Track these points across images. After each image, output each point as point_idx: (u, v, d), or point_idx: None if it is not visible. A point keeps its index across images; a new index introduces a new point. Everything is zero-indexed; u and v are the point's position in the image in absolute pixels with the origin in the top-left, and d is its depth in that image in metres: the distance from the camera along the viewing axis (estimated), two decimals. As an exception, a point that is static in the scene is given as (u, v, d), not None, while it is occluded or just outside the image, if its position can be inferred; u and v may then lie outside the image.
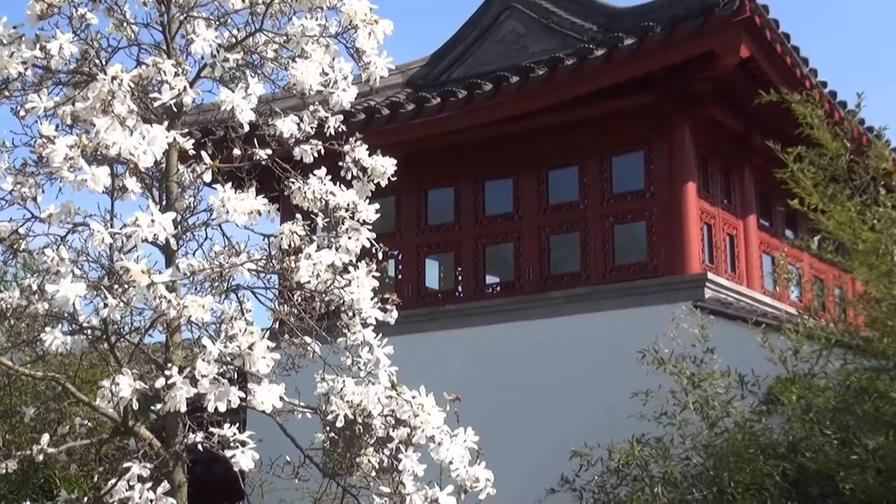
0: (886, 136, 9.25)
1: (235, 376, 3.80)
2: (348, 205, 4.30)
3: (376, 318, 4.19)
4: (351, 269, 4.15)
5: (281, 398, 3.81)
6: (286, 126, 4.42)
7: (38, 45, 4.00)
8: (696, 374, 9.41)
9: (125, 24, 4.40)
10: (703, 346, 9.57)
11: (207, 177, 4.17)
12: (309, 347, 4.22)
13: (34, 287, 4.04)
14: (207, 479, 6.89)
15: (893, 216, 8.44)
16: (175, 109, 4.05)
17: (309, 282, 4.00)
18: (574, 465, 9.60)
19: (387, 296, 4.25)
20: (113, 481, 3.85)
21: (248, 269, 3.98)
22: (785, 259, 11.50)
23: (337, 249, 4.17)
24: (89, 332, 4.04)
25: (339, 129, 4.56)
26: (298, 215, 4.25)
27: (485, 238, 13.18)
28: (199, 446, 3.91)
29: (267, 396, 3.74)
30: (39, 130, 3.77)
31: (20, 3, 4.12)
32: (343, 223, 4.27)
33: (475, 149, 13.05)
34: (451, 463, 3.97)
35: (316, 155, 4.51)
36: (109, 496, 3.81)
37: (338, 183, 4.42)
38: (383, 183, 4.53)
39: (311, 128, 4.55)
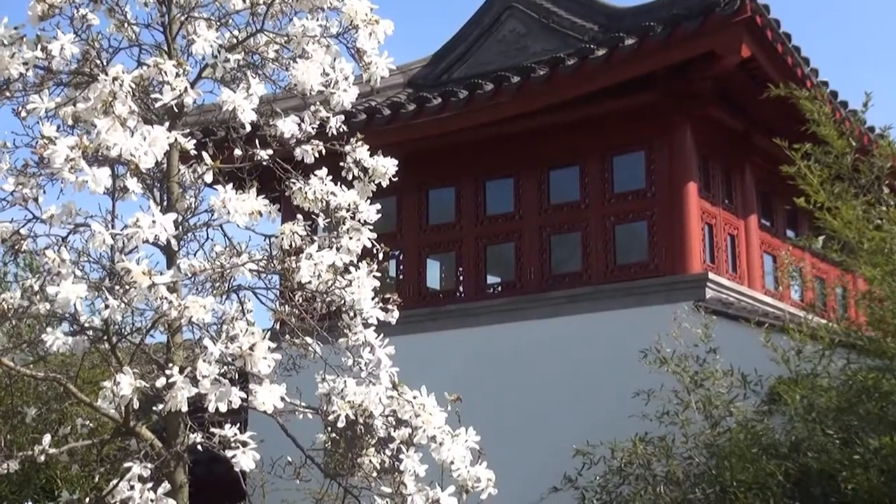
0: (891, 136, 9.24)
1: (236, 377, 3.80)
2: (349, 205, 4.30)
3: (377, 319, 4.19)
4: (352, 269, 4.15)
5: (282, 398, 3.81)
6: (287, 126, 4.42)
7: (39, 46, 4.00)
8: (699, 374, 9.41)
9: (126, 25, 4.40)
10: (706, 346, 9.57)
11: (208, 177, 4.17)
12: (310, 348, 4.22)
13: (35, 288, 4.04)
14: (208, 480, 6.89)
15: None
16: (176, 110, 4.05)
17: (310, 282, 4.00)
18: (575, 464, 9.60)
19: (388, 296, 4.25)
20: (114, 482, 3.85)
21: (250, 270, 3.98)
22: (789, 257, 11.49)
23: (338, 250, 4.18)
24: (90, 332, 4.04)
25: (340, 130, 4.56)
26: (299, 216, 4.25)
27: (486, 238, 13.19)
28: (200, 447, 3.91)
29: (268, 397, 3.74)
30: (41, 131, 3.77)
31: (21, 3, 4.12)
32: (344, 223, 4.28)
33: (476, 149, 13.06)
34: (452, 463, 3.97)
35: (317, 155, 4.51)
36: (111, 496, 3.81)
37: (339, 183, 4.42)
38: (384, 183, 4.54)
39: (313, 128, 4.55)
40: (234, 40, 4.39)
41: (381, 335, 4.20)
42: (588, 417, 10.62)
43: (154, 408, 3.93)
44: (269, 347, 3.69)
